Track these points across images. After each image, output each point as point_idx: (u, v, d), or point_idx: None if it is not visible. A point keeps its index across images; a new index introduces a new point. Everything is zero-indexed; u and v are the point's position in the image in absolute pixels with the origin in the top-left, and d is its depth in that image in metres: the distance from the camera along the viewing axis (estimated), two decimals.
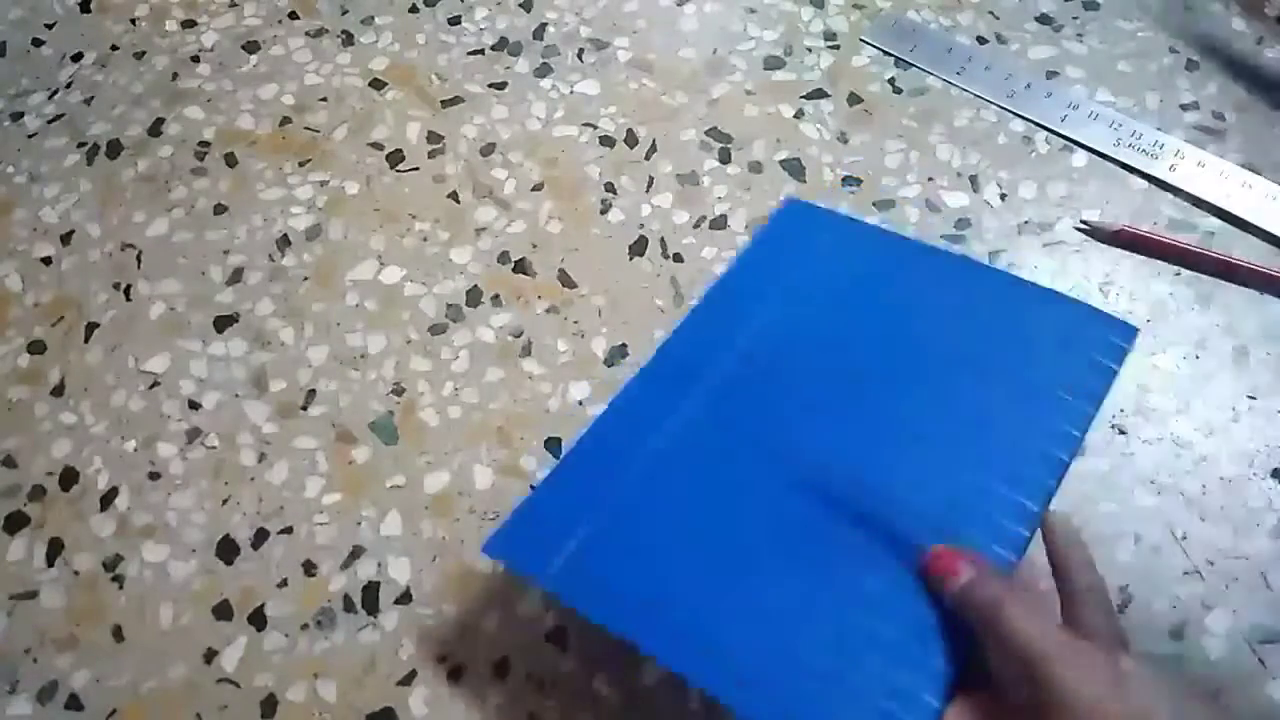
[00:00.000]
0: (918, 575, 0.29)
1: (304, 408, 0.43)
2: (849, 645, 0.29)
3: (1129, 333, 0.33)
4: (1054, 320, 0.34)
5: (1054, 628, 0.26)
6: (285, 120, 0.51)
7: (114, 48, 0.54)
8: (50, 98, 0.52)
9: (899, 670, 0.28)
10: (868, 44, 0.52)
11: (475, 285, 0.45)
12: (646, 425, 0.34)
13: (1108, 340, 0.33)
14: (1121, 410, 0.41)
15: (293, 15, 0.54)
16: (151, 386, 0.44)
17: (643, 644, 0.29)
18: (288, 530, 0.40)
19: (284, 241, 0.47)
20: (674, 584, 0.31)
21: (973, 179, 0.47)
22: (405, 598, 0.39)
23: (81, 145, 0.50)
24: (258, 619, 0.39)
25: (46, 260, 0.47)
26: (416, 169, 0.49)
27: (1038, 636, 0.25)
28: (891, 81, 0.50)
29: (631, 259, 0.46)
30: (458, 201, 0.48)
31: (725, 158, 0.48)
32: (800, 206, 0.41)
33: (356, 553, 0.40)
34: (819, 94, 0.50)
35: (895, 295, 0.37)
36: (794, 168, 0.48)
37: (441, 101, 0.51)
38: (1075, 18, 0.52)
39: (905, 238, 0.39)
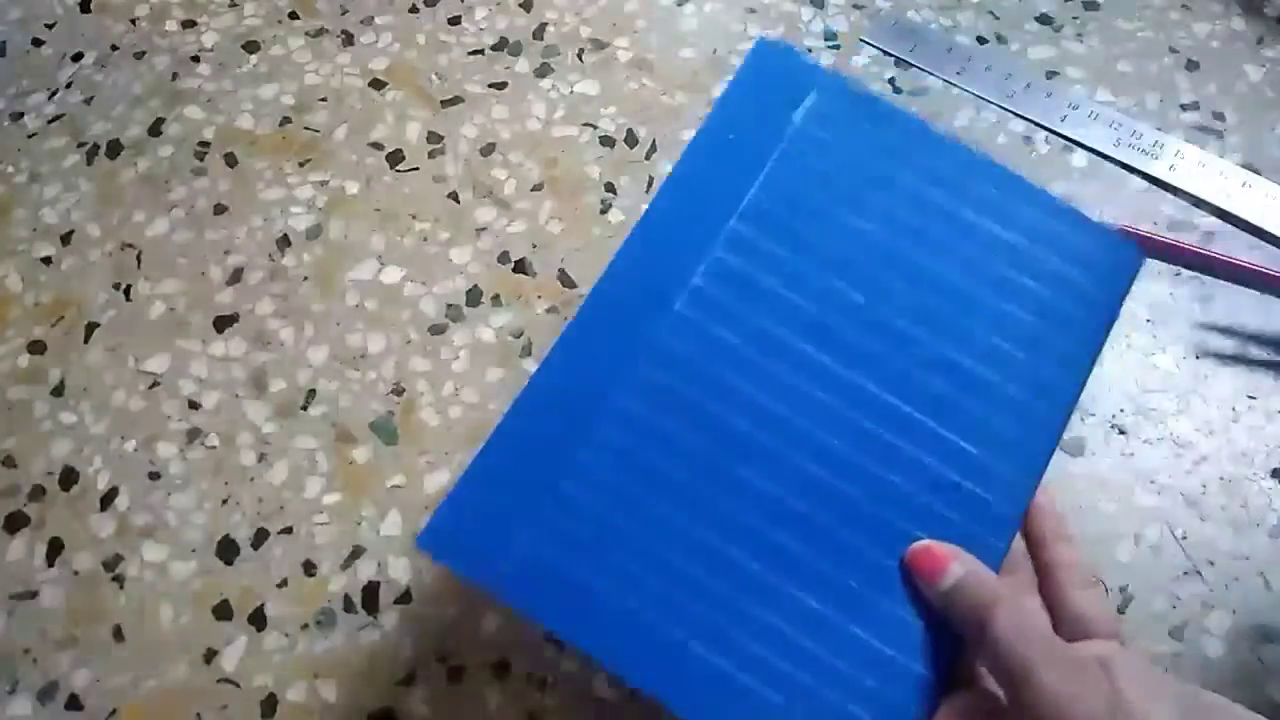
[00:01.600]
0: (902, 569, 0.28)
1: (304, 408, 0.43)
2: (822, 648, 0.27)
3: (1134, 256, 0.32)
4: (1063, 236, 0.32)
5: (1047, 637, 0.25)
6: (285, 120, 0.51)
7: (114, 48, 0.54)
8: (50, 98, 0.52)
9: (875, 674, 0.27)
10: (868, 44, 0.52)
11: (475, 285, 0.45)
12: (605, 372, 0.30)
13: (1114, 265, 0.32)
14: (1121, 410, 0.41)
15: (293, 15, 0.54)
16: (151, 386, 0.44)
17: (604, 657, 0.27)
18: (288, 530, 0.40)
19: (284, 241, 0.47)
20: (635, 582, 0.28)
21: None
22: (405, 598, 0.39)
23: (81, 145, 0.50)
24: (258, 619, 0.39)
25: (46, 260, 0.47)
26: (416, 169, 0.49)
27: (1027, 645, 0.24)
28: (891, 81, 0.50)
29: None
30: (458, 201, 0.48)
31: None
32: (777, 50, 0.34)
33: (356, 553, 0.40)
34: None
35: (899, 188, 0.32)
36: None
37: (441, 101, 0.51)
38: (1075, 18, 0.52)
39: (906, 113, 0.34)
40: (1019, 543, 0.30)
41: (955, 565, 0.27)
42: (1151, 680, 0.24)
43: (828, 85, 0.34)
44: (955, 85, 0.50)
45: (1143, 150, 0.47)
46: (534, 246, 0.46)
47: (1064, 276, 0.31)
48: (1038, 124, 0.49)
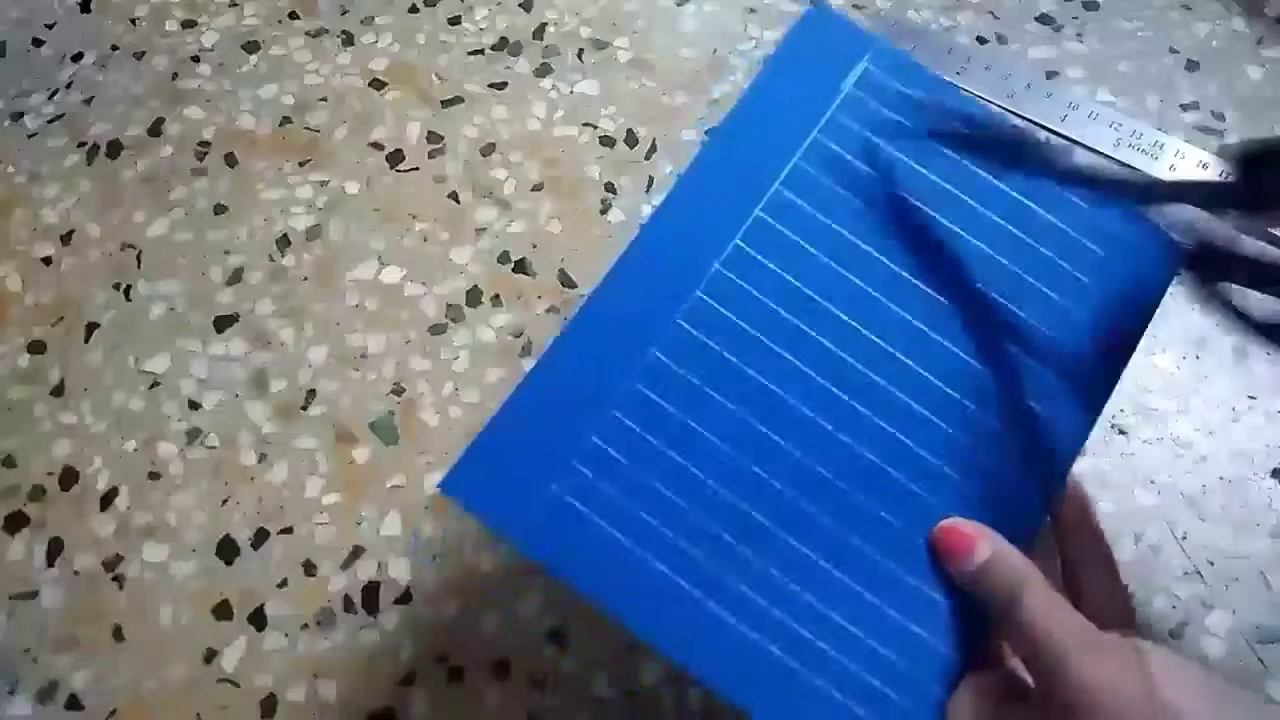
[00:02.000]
0: (929, 547, 0.28)
1: (304, 408, 0.43)
2: (850, 622, 0.27)
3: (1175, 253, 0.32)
4: (1106, 237, 0.32)
5: (1078, 621, 0.24)
6: (285, 120, 0.51)
7: (114, 48, 0.54)
8: (50, 98, 0.52)
9: (903, 652, 0.27)
10: None
11: (475, 285, 0.45)
12: (639, 327, 0.29)
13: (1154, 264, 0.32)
14: (1121, 410, 0.41)
15: (293, 15, 0.54)
16: (151, 386, 0.44)
17: (627, 617, 0.27)
18: (288, 530, 0.40)
19: (284, 241, 0.47)
20: (663, 542, 0.27)
21: None
22: (405, 598, 0.39)
23: (81, 145, 0.50)
24: (258, 619, 0.39)
25: (46, 260, 0.47)
26: (416, 169, 0.49)
27: (1060, 630, 0.24)
28: None
29: None
30: (458, 201, 0.48)
31: None
32: (829, 19, 0.33)
33: (356, 553, 0.40)
34: None
35: (947, 164, 0.32)
36: None
37: (441, 101, 0.51)
38: (1075, 18, 0.52)
39: (970, 97, 0.33)
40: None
41: (983, 544, 0.26)
42: (1184, 670, 0.23)
43: (880, 52, 0.33)
44: (955, 85, 0.50)
45: (1143, 150, 0.47)
46: (534, 246, 0.46)
47: (1108, 266, 0.32)
48: (1038, 124, 0.49)
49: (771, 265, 0.30)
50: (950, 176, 0.32)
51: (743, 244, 0.30)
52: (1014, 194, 0.32)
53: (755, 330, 0.30)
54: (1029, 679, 0.25)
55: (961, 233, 0.31)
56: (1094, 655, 0.23)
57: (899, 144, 0.32)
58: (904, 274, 0.30)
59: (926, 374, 0.30)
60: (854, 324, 0.30)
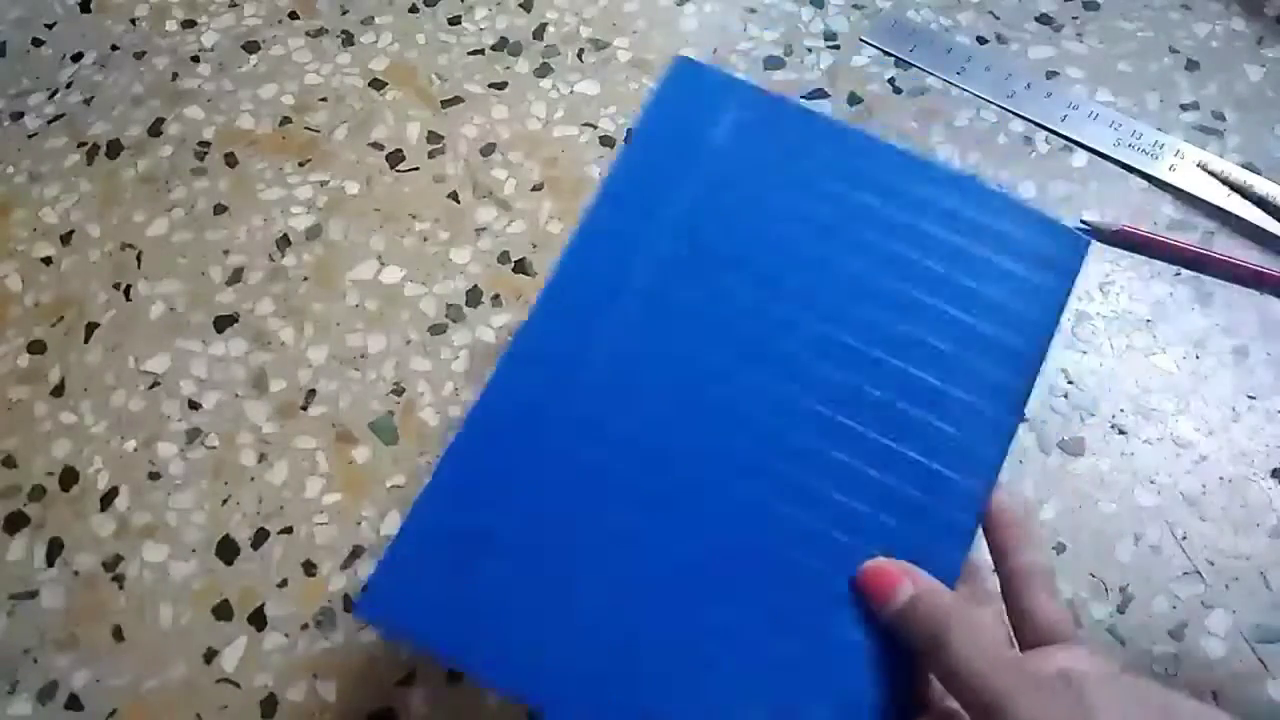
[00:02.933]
0: (854, 589, 0.27)
1: (304, 408, 0.43)
2: (772, 688, 0.26)
3: (1080, 243, 0.30)
4: (1001, 228, 0.31)
5: (1008, 655, 0.24)
6: (285, 120, 0.51)
7: (114, 48, 0.54)
8: (50, 98, 0.52)
9: (828, 703, 0.26)
10: (868, 44, 0.52)
11: (475, 285, 0.45)
12: (542, 398, 0.29)
13: (1060, 254, 0.30)
14: (1121, 410, 0.41)
15: (293, 15, 0.54)
16: (151, 386, 0.44)
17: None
18: (288, 530, 0.40)
19: (284, 241, 0.47)
20: (576, 620, 0.27)
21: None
22: None
23: (81, 145, 0.50)
24: (258, 619, 0.39)
25: (46, 260, 0.47)
26: (416, 169, 0.49)
27: (994, 671, 0.23)
28: (891, 81, 0.50)
29: None
30: (458, 201, 0.48)
31: None
32: (693, 67, 0.33)
33: (356, 553, 0.40)
34: (819, 94, 0.50)
35: (828, 195, 0.31)
36: None
37: (441, 101, 0.51)
38: (1075, 18, 0.52)
39: (816, 114, 0.33)
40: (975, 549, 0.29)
41: (905, 583, 0.26)
42: (1117, 688, 0.23)
43: (747, 99, 0.33)
44: (955, 85, 0.50)
45: (1143, 150, 0.47)
46: (534, 246, 0.46)
47: (1005, 271, 0.30)
48: (1038, 124, 0.49)
49: (666, 329, 0.30)
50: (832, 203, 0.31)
51: (635, 304, 0.30)
52: (900, 211, 0.31)
53: (646, 394, 0.29)
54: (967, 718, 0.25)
55: (844, 253, 0.31)
56: (1033, 695, 0.22)
57: (769, 178, 0.32)
58: (789, 323, 0.30)
59: (816, 405, 0.29)
60: (754, 375, 0.29)
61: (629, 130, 0.32)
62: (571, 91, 0.51)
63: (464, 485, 0.28)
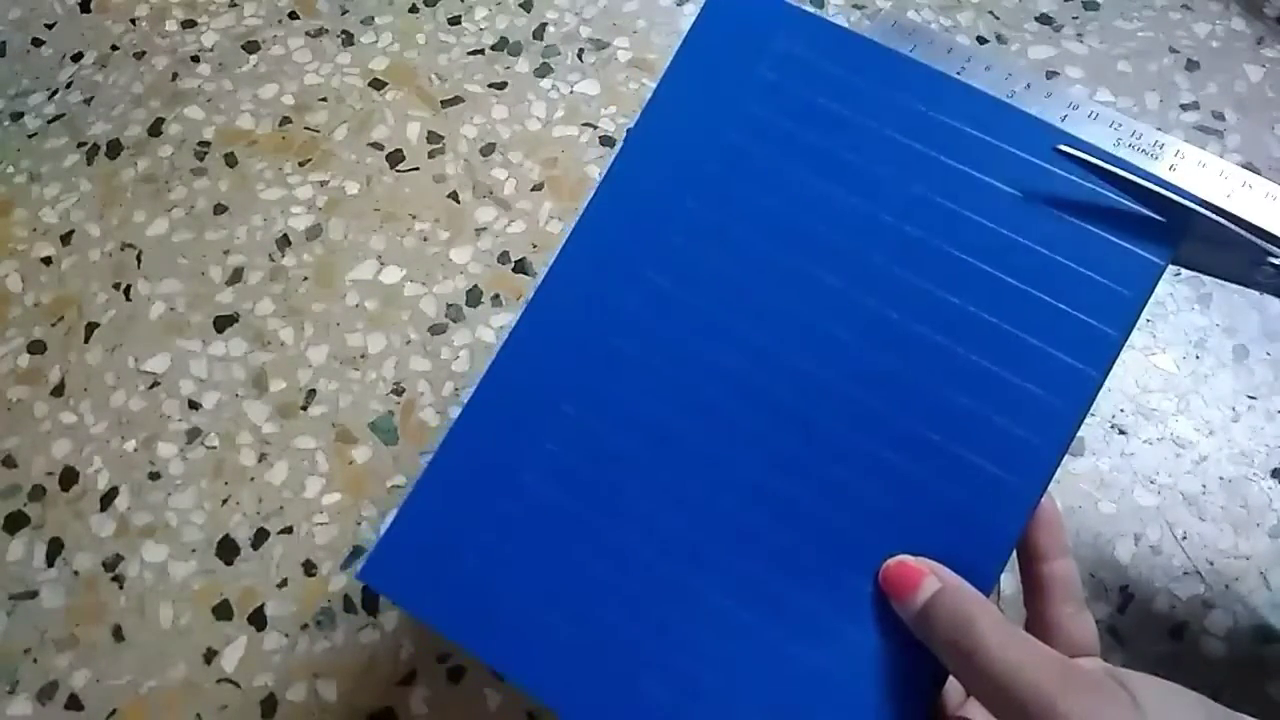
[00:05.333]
0: (876, 592, 0.25)
1: (304, 408, 0.43)
2: (779, 687, 0.25)
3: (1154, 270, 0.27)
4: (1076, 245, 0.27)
5: (1048, 654, 0.22)
6: (285, 120, 0.51)
7: (114, 48, 0.54)
8: (50, 98, 0.52)
9: (839, 715, 0.24)
10: None
11: (475, 285, 0.45)
12: (553, 375, 0.28)
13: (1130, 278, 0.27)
14: (1121, 410, 0.41)
15: (293, 15, 0.54)
16: (151, 386, 0.44)
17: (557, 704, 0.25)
18: (288, 530, 0.40)
19: (284, 241, 0.47)
20: (585, 613, 0.26)
21: None
22: None
23: (81, 145, 0.50)
24: (258, 619, 0.39)
25: (46, 260, 0.47)
26: (416, 169, 0.49)
27: (1031, 667, 0.21)
28: None
29: None
30: (458, 201, 0.48)
31: None
32: None
33: (356, 553, 0.40)
34: None
35: (891, 149, 0.28)
36: None
37: (441, 101, 0.51)
38: (1075, 18, 0.52)
39: (900, 54, 0.29)
40: None
41: (929, 579, 0.24)
42: (1171, 698, 0.21)
43: (802, 28, 0.29)
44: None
45: (1143, 150, 0.47)
46: (534, 246, 0.46)
47: (1088, 273, 0.27)
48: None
49: (672, 313, 0.27)
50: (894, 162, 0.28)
51: (656, 275, 0.28)
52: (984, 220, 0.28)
53: (666, 366, 0.27)
54: None
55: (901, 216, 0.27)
56: (1079, 694, 0.20)
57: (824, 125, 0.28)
58: (831, 293, 0.27)
59: (856, 391, 0.26)
60: (799, 359, 0.27)
61: (667, 69, 0.30)
62: (571, 91, 0.51)
63: (472, 461, 0.27)
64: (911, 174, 0.28)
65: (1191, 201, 0.27)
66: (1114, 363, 0.26)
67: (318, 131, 0.50)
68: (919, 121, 0.28)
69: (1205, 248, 0.28)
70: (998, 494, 0.25)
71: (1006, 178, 0.28)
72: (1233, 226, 0.29)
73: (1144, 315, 0.43)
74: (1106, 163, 0.28)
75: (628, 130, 0.29)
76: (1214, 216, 0.28)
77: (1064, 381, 0.26)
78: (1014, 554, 0.26)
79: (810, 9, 0.53)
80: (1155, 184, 0.27)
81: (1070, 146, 0.28)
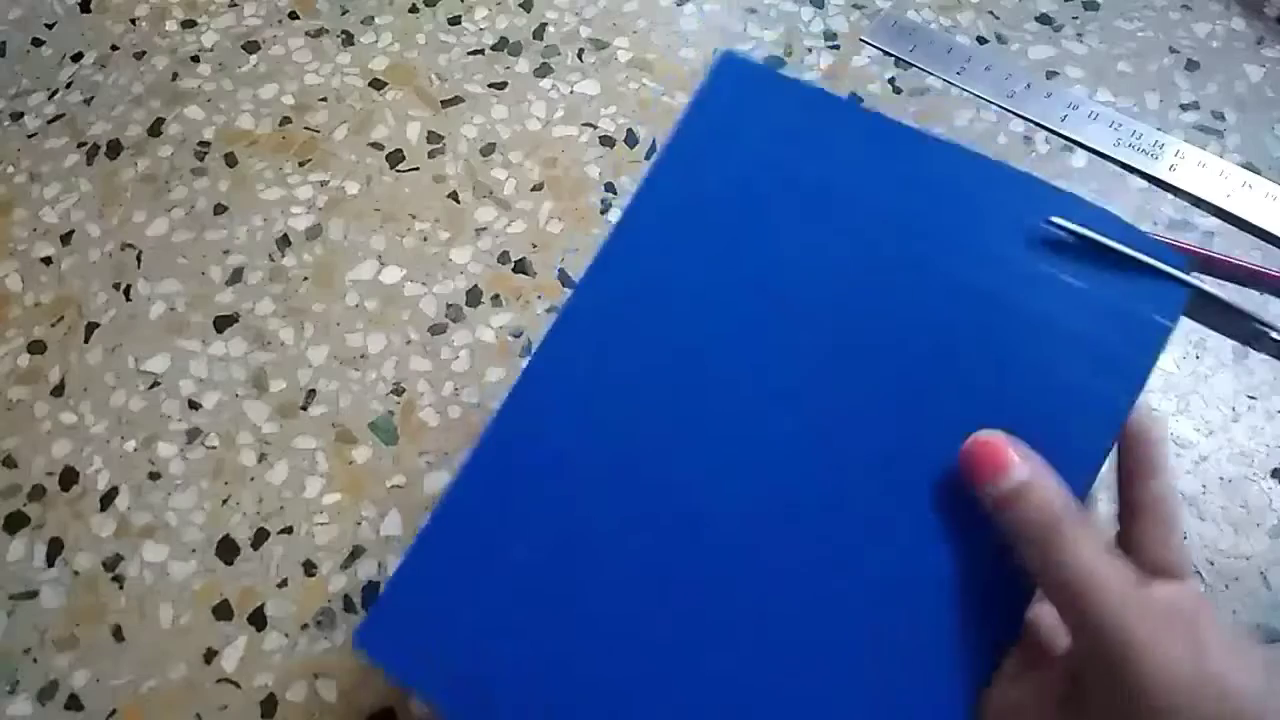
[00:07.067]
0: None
1: (304, 408, 0.43)
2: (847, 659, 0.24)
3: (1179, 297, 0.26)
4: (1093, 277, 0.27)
5: (1124, 570, 0.21)
6: (285, 120, 0.51)
7: (114, 48, 0.54)
8: (50, 98, 0.52)
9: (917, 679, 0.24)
10: (868, 44, 0.52)
11: (475, 285, 0.45)
12: (561, 427, 0.28)
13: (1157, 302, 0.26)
14: None
15: (293, 15, 0.54)
16: (151, 386, 0.44)
17: None
18: (288, 530, 0.40)
19: (284, 241, 0.47)
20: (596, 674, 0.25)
21: None
22: None
23: (81, 145, 0.50)
24: (258, 619, 0.39)
25: (46, 260, 0.47)
26: (416, 169, 0.49)
27: (1104, 578, 0.20)
28: (891, 81, 0.50)
29: None
30: (458, 201, 0.48)
31: None
32: (743, 66, 0.30)
33: (356, 553, 0.40)
34: None
35: (890, 212, 0.28)
36: None
37: (441, 101, 0.51)
38: (1075, 18, 0.52)
39: (894, 122, 0.29)
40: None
41: (1019, 464, 0.22)
42: (1237, 642, 0.21)
43: (804, 101, 0.29)
44: (955, 85, 0.50)
45: (1143, 150, 0.47)
46: (534, 246, 0.46)
47: (1093, 337, 0.27)
48: (1038, 124, 0.48)
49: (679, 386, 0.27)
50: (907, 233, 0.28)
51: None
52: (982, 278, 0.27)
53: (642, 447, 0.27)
54: (1057, 640, 0.22)
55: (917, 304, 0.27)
56: (1142, 613, 0.20)
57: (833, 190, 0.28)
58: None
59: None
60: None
61: (663, 142, 0.30)
62: (571, 91, 0.51)
63: (471, 525, 0.27)
64: (906, 244, 0.28)
65: (1187, 274, 0.27)
66: (1120, 434, 0.26)
67: (318, 131, 0.50)
68: (913, 189, 0.28)
69: (1208, 311, 0.27)
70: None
71: (1004, 243, 0.28)
72: (1233, 302, 0.28)
73: None
74: (1102, 235, 0.28)
75: (626, 208, 0.30)
76: (1213, 291, 0.27)
77: (1071, 464, 0.25)
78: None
79: (810, 15, 0.53)
80: (1152, 256, 0.27)
81: (1063, 218, 0.27)
